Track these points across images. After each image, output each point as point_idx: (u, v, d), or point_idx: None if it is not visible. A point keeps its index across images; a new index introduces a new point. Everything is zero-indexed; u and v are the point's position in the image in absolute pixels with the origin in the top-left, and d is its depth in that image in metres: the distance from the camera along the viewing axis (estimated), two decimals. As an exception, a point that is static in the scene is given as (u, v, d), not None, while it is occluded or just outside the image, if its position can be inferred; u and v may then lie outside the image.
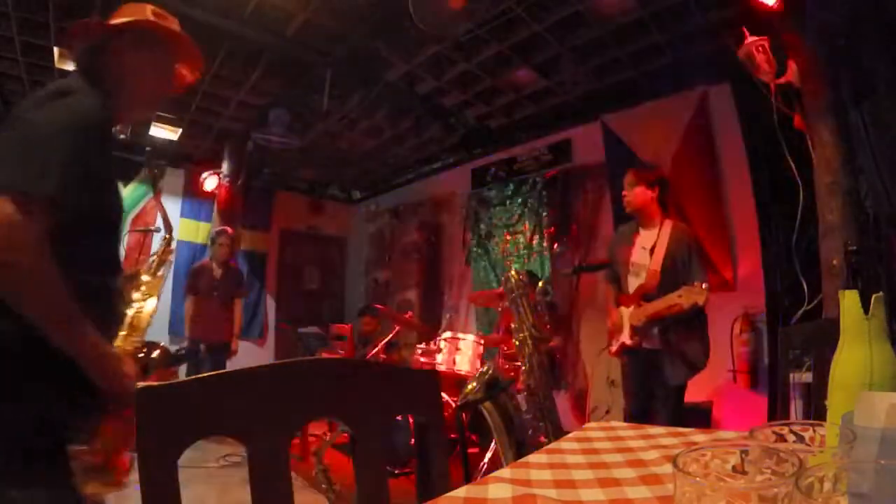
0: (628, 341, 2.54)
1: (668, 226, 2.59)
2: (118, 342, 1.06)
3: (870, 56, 2.47)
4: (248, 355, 6.11)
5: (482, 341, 3.58)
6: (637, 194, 2.61)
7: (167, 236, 1.30)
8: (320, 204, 7.25)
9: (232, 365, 4.65)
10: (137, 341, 1.09)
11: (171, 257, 1.32)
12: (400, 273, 6.30)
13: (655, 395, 2.54)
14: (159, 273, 1.21)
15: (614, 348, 2.65)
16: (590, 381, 4.17)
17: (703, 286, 2.30)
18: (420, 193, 6.39)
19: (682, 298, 2.33)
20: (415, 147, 5.78)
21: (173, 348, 4.25)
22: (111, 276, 1.06)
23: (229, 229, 4.57)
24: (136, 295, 1.15)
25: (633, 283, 2.61)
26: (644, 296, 2.52)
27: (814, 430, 0.50)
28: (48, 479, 0.87)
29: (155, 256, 1.25)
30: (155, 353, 1.30)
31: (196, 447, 0.60)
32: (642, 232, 2.65)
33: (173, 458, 0.58)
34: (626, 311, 2.57)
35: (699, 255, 2.56)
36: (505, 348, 3.41)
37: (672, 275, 2.48)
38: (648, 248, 2.59)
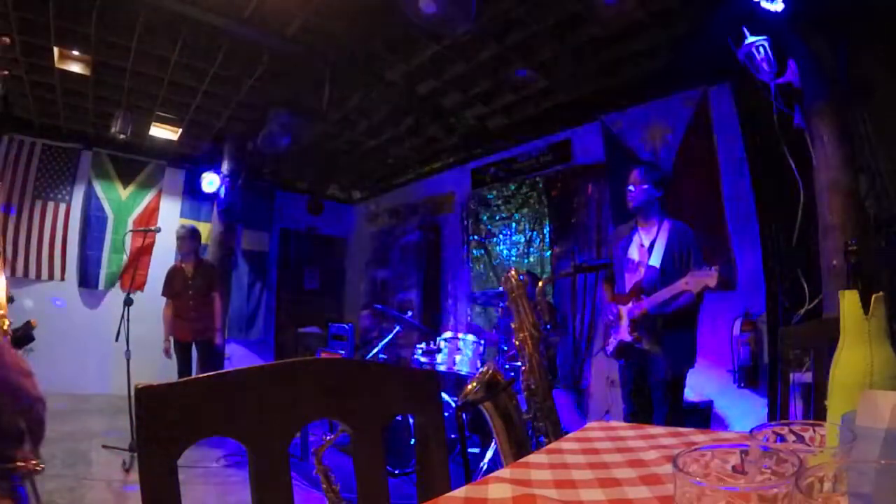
0: (627, 337, 2.53)
1: (667, 224, 2.59)
2: None
3: (870, 56, 2.47)
4: (248, 355, 6.12)
5: (482, 341, 3.57)
6: (642, 192, 2.61)
7: None
8: (320, 204, 7.26)
9: (232, 365, 4.65)
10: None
11: None
12: (400, 273, 6.30)
13: (652, 394, 2.54)
14: None
15: (611, 347, 2.64)
16: (590, 381, 4.17)
17: (712, 269, 2.28)
18: (420, 193, 6.39)
19: (689, 285, 2.31)
20: (415, 147, 5.78)
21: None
22: None
23: (187, 223, 4.55)
24: None
25: (630, 280, 2.61)
26: (641, 289, 2.52)
27: (814, 430, 0.50)
28: None
29: None
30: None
31: (196, 447, 0.60)
32: (641, 230, 2.65)
33: (173, 458, 0.58)
34: (624, 308, 2.56)
35: (700, 255, 2.56)
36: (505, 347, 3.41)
37: (672, 270, 2.48)
38: (647, 246, 2.59)
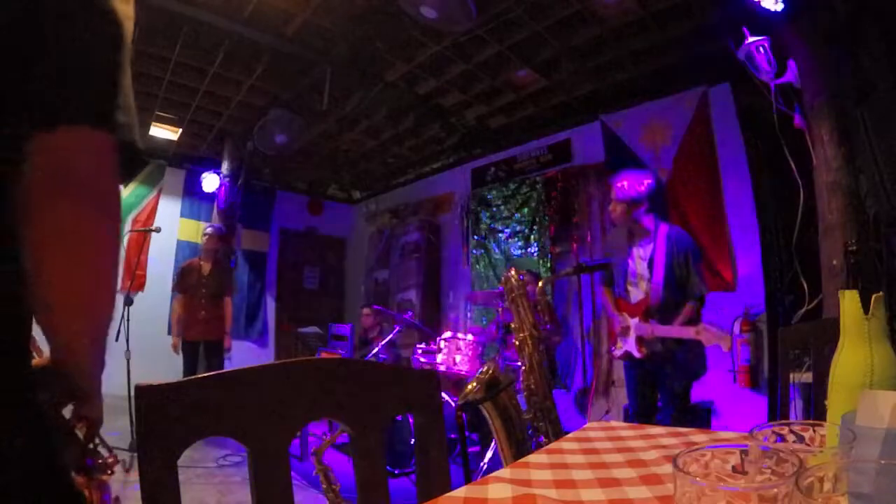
0: (636, 353, 2.51)
1: (663, 233, 2.55)
2: None
3: (870, 56, 2.47)
4: (248, 355, 6.12)
5: (482, 341, 3.57)
6: (619, 213, 2.58)
7: None
8: (320, 204, 7.25)
9: (232, 365, 4.64)
10: None
11: None
12: (400, 273, 6.30)
13: (658, 400, 2.53)
14: None
15: (618, 353, 2.62)
16: (590, 381, 4.17)
17: (728, 331, 2.30)
18: (420, 193, 6.39)
19: (699, 335, 2.31)
20: (415, 147, 5.78)
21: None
22: None
23: (217, 224, 4.63)
24: None
25: (633, 294, 2.59)
26: (648, 308, 2.51)
27: (814, 430, 0.50)
28: None
29: None
30: None
31: (196, 447, 0.60)
32: (637, 242, 2.62)
33: (173, 458, 0.58)
34: (633, 321, 2.54)
35: (698, 262, 2.54)
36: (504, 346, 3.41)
37: (673, 285, 2.47)
38: (647, 259, 2.55)
